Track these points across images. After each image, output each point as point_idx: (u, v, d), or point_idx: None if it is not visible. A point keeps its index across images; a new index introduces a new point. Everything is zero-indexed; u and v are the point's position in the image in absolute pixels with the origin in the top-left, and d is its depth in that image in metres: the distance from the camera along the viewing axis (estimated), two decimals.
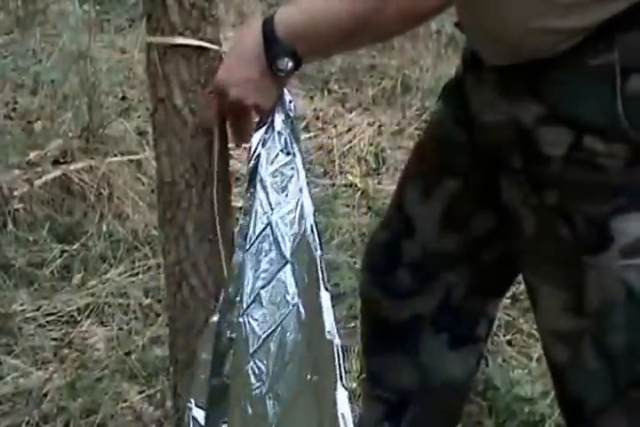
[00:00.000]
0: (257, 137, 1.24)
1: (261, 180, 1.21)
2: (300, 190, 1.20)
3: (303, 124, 3.44)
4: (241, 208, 1.24)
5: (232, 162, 1.39)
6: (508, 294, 2.45)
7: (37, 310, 2.39)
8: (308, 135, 3.43)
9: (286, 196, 1.20)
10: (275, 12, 1.18)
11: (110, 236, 2.69)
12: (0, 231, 2.66)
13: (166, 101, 1.28)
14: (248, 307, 1.16)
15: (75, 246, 2.64)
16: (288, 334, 1.14)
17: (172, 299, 1.36)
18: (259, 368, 1.13)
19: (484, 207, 1.46)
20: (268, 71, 1.19)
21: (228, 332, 1.18)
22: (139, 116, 3.37)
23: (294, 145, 1.23)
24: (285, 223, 1.18)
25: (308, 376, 1.12)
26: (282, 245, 1.17)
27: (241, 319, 1.16)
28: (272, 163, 1.22)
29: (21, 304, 2.40)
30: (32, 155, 2.93)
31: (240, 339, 1.15)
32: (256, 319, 1.15)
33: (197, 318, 1.33)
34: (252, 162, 1.23)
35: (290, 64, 1.18)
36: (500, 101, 1.28)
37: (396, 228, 1.56)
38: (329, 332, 1.12)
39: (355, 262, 2.59)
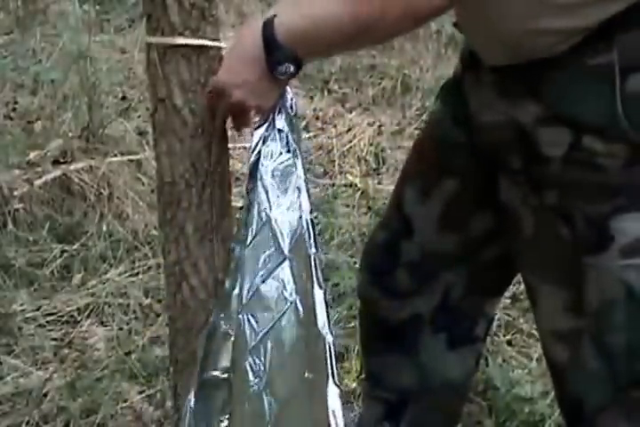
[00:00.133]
0: (258, 135, 1.24)
1: (261, 177, 1.21)
2: (299, 188, 1.20)
3: (303, 124, 3.44)
4: (241, 207, 1.24)
5: (232, 162, 1.39)
6: (508, 294, 2.46)
7: (37, 310, 2.39)
8: (307, 135, 3.43)
9: (286, 193, 1.20)
10: (274, 15, 1.18)
11: (110, 236, 2.68)
12: (0, 231, 2.66)
13: (166, 101, 1.27)
14: (247, 303, 1.16)
15: (75, 246, 2.64)
16: (286, 332, 1.14)
17: (172, 299, 1.36)
18: (256, 365, 1.13)
19: (483, 207, 1.46)
20: (268, 74, 1.19)
21: (224, 326, 1.18)
22: (139, 116, 3.37)
23: (294, 143, 1.24)
24: (284, 220, 1.18)
25: (306, 374, 1.13)
26: (281, 241, 1.17)
27: (240, 316, 1.16)
28: (272, 160, 1.22)
29: (21, 304, 2.39)
30: (32, 155, 2.93)
31: (238, 335, 1.15)
32: (254, 316, 1.15)
33: (197, 318, 1.33)
34: (253, 159, 1.23)
35: (291, 68, 1.18)
36: (498, 102, 1.28)
37: (394, 228, 1.56)
38: (321, 329, 1.11)
39: (355, 262, 2.59)
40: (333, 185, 3.17)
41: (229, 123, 1.32)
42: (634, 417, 1.32)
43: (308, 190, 1.21)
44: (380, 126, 3.58)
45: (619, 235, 1.22)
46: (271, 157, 1.22)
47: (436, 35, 3.99)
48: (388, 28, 1.16)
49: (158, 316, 2.38)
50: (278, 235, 1.17)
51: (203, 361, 1.19)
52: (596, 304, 1.27)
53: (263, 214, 1.19)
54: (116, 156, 2.98)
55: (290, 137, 1.24)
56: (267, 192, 1.20)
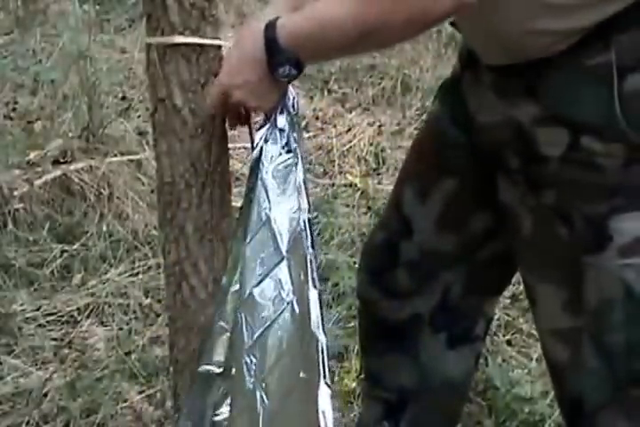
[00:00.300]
0: (259, 134, 1.24)
1: (261, 177, 1.21)
2: (299, 188, 1.20)
3: (303, 124, 3.44)
4: (241, 207, 1.24)
5: (232, 162, 1.39)
6: (508, 293, 2.46)
7: (37, 310, 2.39)
8: (307, 135, 3.43)
9: (285, 193, 1.20)
10: (276, 18, 1.18)
11: (110, 236, 2.68)
12: (0, 231, 2.66)
13: (166, 101, 1.28)
14: (244, 302, 1.16)
15: (75, 246, 2.64)
16: (282, 331, 1.14)
17: (172, 299, 1.36)
18: (252, 364, 1.13)
19: (482, 207, 1.46)
20: (269, 76, 1.19)
21: (220, 322, 1.18)
22: (139, 116, 3.37)
23: (295, 143, 1.24)
24: (283, 220, 1.18)
25: (301, 374, 1.13)
26: (279, 241, 1.17)
27: (237, 314, 1.16)
28: (273, 160, 1.22)
29: (21, 304, 2.39)
30: (32, 155, 2.93)
31: (235, 334, 1.15)
32: (251, 315, 1.15)
33: (197, 318, 1.33)
34: (254, 158, 1.23)
35: (293, 71, 1.18)
36: (497, 101, 1.28)
37: (393, 228, 1.56)
38: (315, 330, 1.11)
39: (354, 262, 2.59)
40: (333, 185, 3.17)
41: (229, 123, 1.32)
42: (633, 416, 1.32)
43: (307, 190, 1.21)
44: (380, 126, 3.57)
45: (617, 234, 1.22)
46: (272, 157, 1.22)
47: (436, 35, 3.98)
48: (393, 34, 1.16)
49: (158, 316, 2.38)
50: (277, 235, 1.17)
51: (198, 355, 1.19)
52: (594, 304, 1.27)
53: (263, 214, 1.19)
54: (116, 156, 2.98)
55: (291, 137, 1.24)
56: (266, 192, 1.20)
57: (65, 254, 2.61)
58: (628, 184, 1.22)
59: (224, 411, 1.16)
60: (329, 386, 1.08)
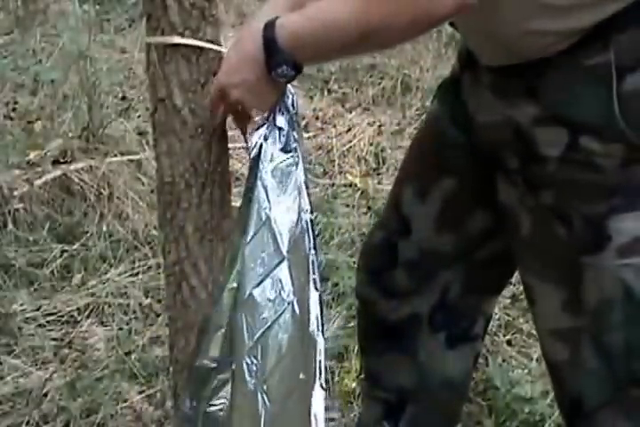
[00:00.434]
0: (259, 133, 1.24)
1: (261, 176, 1.21)
2: (299, 188, 1.20)
3: (303, 124, 3.44)
4: (240, 207, 1.24)
5: (232, 162, 1.39)
6: (508, 293, 2.46)
7: (37, 310, 2.39)
8: (307, 135, 3.43)
9: (285, 192, 1.20)
10: (275, 17, 1.18)
11: (110, 236, 2.68)
12: (0, 231, 2.66)
13: (166, 101, 1.28)
14: (244, 302, 1.16)
15: (75, 246, 2.64)
16: (282, 332, 1.14)
17: (172, 299, 1.36)
18: (253, 364, 1.13)
19: (481, 206, 1.46)
20: (267, 76, 1.18)
21: (215, 319, 1.18)
22: (139, 116, 3.37)
23: (295, 142, 1.23)
24: (284, 220, 1.18)
25: (301, 375, 1.13)
26: (279, 241, 1.17)
27: (238, 314, 1.16)
28: (272, 159, 1.22)
29: (21, 304, 2.39)
30: (32, 155, 2.92)
31: (236, 334, 1.15)
32: (252, 315, 1.15)
33: (197, 318, 1.33)
34: (253, 157, 1.23)
35: (290, 71, 1.18)
36: (496, 102, 1.29)
37: (392, 228, 1.56)
38: (313, 332, 1.11)
39: (354, 262, 2.59)
40: (333, 185, 3.17)
41: (229, 123, 1.32)
42: (633, 415, 1.32)
43: (307, 190, 1.21)
44: (380, 126, 3.57)
45: (616, 234, 1.22)
46: (271, 157, 1.22)
47: (436, 35, 3.98)
48: (395, 34, 1.15)
49: (158, 316, 2.38)
50: (277, 235, 1.17)
51: (197, 349, 1.19)
52: (594, 303, 1.27)
53: (263, 214, 1.19)
54: (116, 156, 2.98)
55: (290, 136, 1.23)
56: (266, 191, 1.20)
57: (65, 254, 2.61)
58: (627, 184, 1.22)
59: (217, 402, 1.16)
60: (324, 389, 1.08)
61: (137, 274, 2.55)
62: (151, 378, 2.14)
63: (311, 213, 1.19)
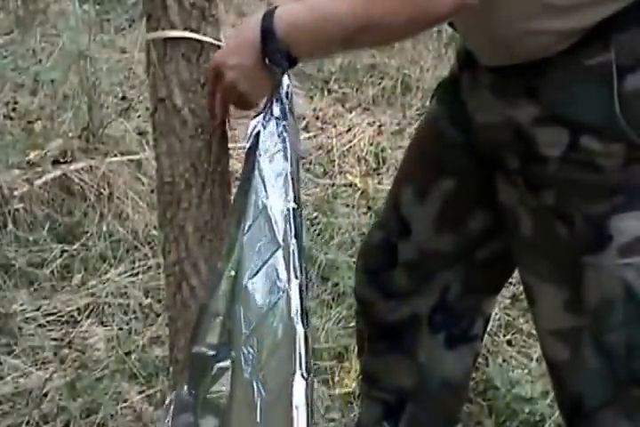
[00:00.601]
0: (255, 122, 1.24)
1: (259, 166, 1.20)
2: (285, 175, 1.19)
3: (303, 123, 3.44)
4: (237, 194, 1.23)
5: (232, 162, 1.39)
6: (508, 294, 2.46)
7: (37, 310, 2.39)
8: (307, 135, 3.43)
9: (279, 181, 1.20)
10: (276, 7, 1.18)
11: (110, 236, 2.68)
12: (0, 231, 2.66)
13: (166, 101, 1.27)
14: (241, 290, 1.15)
15: (75, 246, 2.64)
16: (278, 321, 1.13)
17: (172, 299, 1.36)
18: (249, 354, 1.13)
19: (481, 207, 1.46)
20: (262, 63, 1.18)
21: (213, 306, 1.18)
22: (139, 116, 3.37)
23: (285, 132, 1.23)
24: (278, 208, 1.18)
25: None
26: (275, 229, 1.16)
27: (235, 303, 1.15)
28: (269, 148, 1.22)
29: (21, 304, 2.39)
30: (32, 155, 2.92)
31: (233, 323, 1.15)
32: (248, 304, 1.15)
33: None
34: (250, 146, 1.23)
35: (284, 62, 1.18)
36: (496, 102, 1.28)
37: (391, 228, 1.56)
38: (292, 318, 1.11)
39: (354, 262, 2.59)
40: (333, 185, 3.17)
41: (228, 124, 1.32)
42: (634, 416, 1.32)
43: (294, 179, 1.20)
44: (380, 126, 3.57)
45: (617, 234, 1.22)
46: (268, 146, 1.22)
47: (436, 35, 3.98)
48: (392, 32, 1.15)
49: (158, 316, 2.38)
50: (273, 223, 1.17)
51: (194, 336, 1.19)
52: (595, 303, 1.27)
53: (259, 202, 1.18)
54: (116, 156, 2.98)
55: (280, 126, 1.23)
56: (263, 180, 1.19)
57: (65, 254, 2.61)
58: (628, 184, 1.22)
59: (216, 390, 1.16)
60: (305, 378, 1.07)
61: (137, 274, 2.55)
62: (151, 378, 2.14)
63: (296, 202, 1.18)
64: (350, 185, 3.18)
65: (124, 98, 3.55)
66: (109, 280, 2.51)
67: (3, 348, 2.24)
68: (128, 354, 2.22)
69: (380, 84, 3.92)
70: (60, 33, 3.83)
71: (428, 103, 3.66)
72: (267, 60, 1.18)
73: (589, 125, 1.19)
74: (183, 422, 1.18)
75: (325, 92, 3.84)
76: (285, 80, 1.25)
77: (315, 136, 3.49)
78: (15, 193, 2.71)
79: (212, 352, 1.17)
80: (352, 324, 2.26)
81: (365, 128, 3.53)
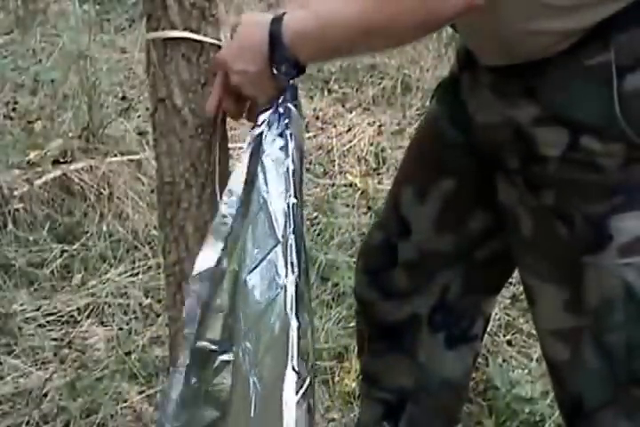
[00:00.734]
0: (262, 118, 1.23)
1: (262, 160, 1.20)
2: (287, 172, 1.19)
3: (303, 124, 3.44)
4: (244, 189, 1.23)
5: (232, 162, 1.39)
6: (508, 294, 2.46)
7: (37, 310, 2.39)
8: (307, 135, 3.43)
9: (280, 177, 1.20)
10: (284, 13, 1.17)
11: (110, 236, 2.68)
12: (0, 231, 2.66)
13: (166, 101, 1.27)
14: (241, 285, 1.15)
15: (75, 246, 2.64)
16: (275, 316, 1.13)
17: (172, 299, 1.36)
18: (247, 348, 1.13)
19: (481, 207, 1.46)
20: (269, 70, 1.18)
21: (218, 301, 1.18)
22: (139, 116, 3.37)
23: (288, 129, 1.23)
24: (278, 204, 1.18)
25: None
26: (275, 225, 1.16)
27: (235, 297, 1.15)
28: (272, 144, 1.22)
29: (21, 304, 2.39)
30: (32, 155, 2.93)
31: (234, 318, 1.15)
32: (247, 299, 1.15)
33: None
34: (255, 142, 1.22)
35: (292, 70, 1.17)
36: (496, 102, 1.28)
37: (392, 228, 1.56)
38: (286, 313, 1.11)
39: (354, 262, 2.59)
40: (333, 185, 3.17)
41: (229, 122, 1.32)
42: (634, 416, 1.32)
43: (295, 175, 1.20)
44: (379, 126, 3.57)
45: (617, 234, 1.22)
46: (272, 141, 1.22)
47: (436, 35, 3.98)
48: (399, 35, 1.15)
49: (158, 316, 2.38)
50: (274, 219, 1.17)
51: (195, 330, 1.19)
52: (595, 303, 1.27)
53: (261, 197, 1.18)
54: (116, 156, 2.98)
55: (282, 121, 1.23)
56: (265, 175, 1.19)
57: (65, 254, 2.61)
58: (628, 184, 1.22)
59: (217, 382, 1.16)
60: (297, 372, 1.07)
61: (137, 274, 2.55)
62: (151, 378, 2.14)
63: (296, 197, 1.18)
64: (350, 185, 3.18)
65: (124, 98, 3.55)
66: (109, 280, 2.52)
67: (3, 348, 2.24)
68: (128, 354, 2.22)
69: (380, 84, 3.92)
70: (60, 33, 3.83)
71: (427, 103, 3.66)
72: (274, 70, 1.17)
73: (589, 125, 1.19)
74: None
75: (325, 92, 3.85)
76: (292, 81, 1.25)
77: (315, 136, 3.49)
78: (15, 193, 2.71)
79: (214, 347, 1.17)
80: (352, 324, 2.27)
81: (365, 128, 3.53)
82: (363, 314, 1.68)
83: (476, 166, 1.42)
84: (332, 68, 3.98)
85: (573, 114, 1.20)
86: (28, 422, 1.98)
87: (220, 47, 1.26)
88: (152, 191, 2.74)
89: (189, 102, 1.27)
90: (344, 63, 3.99)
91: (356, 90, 3.89)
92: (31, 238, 2.64)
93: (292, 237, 1.15)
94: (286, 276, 1.13)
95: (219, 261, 1.21)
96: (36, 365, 2.18)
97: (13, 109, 3.36)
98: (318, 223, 2.85)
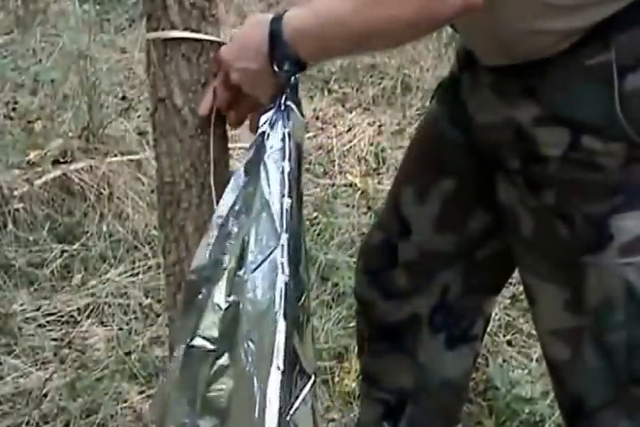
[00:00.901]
0: (264, 118, 1.23)
1: (264, 161, 1.20)
2: (283, 172, 1.19)
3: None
4: (244, 187, 1.23)
5: (232, 162, 1.39)
6: (508, 294, 2.46)
7: (37, 310, 2.39)
8: (307, 135, 3.43)
9: (278, 176, 1.20)
10: (284, 12, 1.17)
11: (110, 236, 2.68)
12: (0, 231, 2.65)
13: (166, 101, 1.27)
14: (243, 285, 1.15)
15: (75, 246, 2.64)
16: (278, 315, 1.14)
17: (172, 299, 1.36)
18: (250, 348, 1.13)
19: (481, 206, 1.46)
20: (270, 69, 1.18)
21: (216, 299, 1.17)
22: (139, 116, 3.37)
23: (284, 128, 1.22)
24: (277, 204, 1.18)
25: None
26: (277, 225, 1.17)
27: (237, 297, 1.15)
28: (274, 144, 1.22)
29: (21, 304, 2.39)
30: (32, 155, 2.93)
31: (236, 318, 1.15)
32: (250, 299, 1.15)
33: None
34: (258, 142, 1.22)
35: (292, 68, 1.17)
36: (496, 102, 1.28)
37: (391, 228, 1.56)
38: (276, 313, 1.11)
39: (355, 262, 2.59)
40: (333, 185, 3.17)
41: (228, 120, 1.31)
42: (634, 415, 1.32)
43: (290, 175, 1.20)
44: (380, 126, 3.57)
45: (618, 233, 1.22)
46: (274, 142, 1.22)
47: (436, 35, 3.98)
48: (398, 34, 1.15)
49: (158, 316, 2.38)
50: (276, 219, 1.17)
51: (191, 329, 1.19)
52: (595, 303, 1.27)
53: (263, 198, 1.18)
54: (116, 156, 2.98)
55: (285, 121, 1.23)
56: (267, 175, 1.19)
57: (65, 254, 2.61)
58: (629, 183, 1.22)
59: (217, 387, 1.15)
60: (282, 371, 1.07)
61: (137, 274, 2.55)
62: (151, 378, 2.14)
63: (291, 197, 1.18)
64: (350, 185, 3.18)
65: (124, 98, 3.55)
66: (109, 280, 2.51)
67: (3, 348, 2.24)
68: (128, 354, 2.22)
69: (380, 84, 3.92)
70: (60, 33, 3.83)
71: (427, 103, 3.66)
72: (275, 67, 1.17)
73: (590, 125, 1.19)
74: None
75: (325, 92, 3.85)
76: (293, 79, 1.24)
77: (315, 136, 3.49)
78: (15, 193, 2.71)
79: (211, 347, 1.17)
80: (352, 324, 2.27)
81: (365, 128, 3.53)
82: (363, 314, 1.68)
83: (477, 166, 1.42)
84: (332, 68, 3.98)
85: (574, 114, 1.20)
86: (27, 423, 1.98)
87: (220, 46, 1.26)
88: (152, 191, 2.74)
89: (189, 102, 1.27)
90: (344, 63, 3.99)
91: (356, 90, 3.89)
92: (31, 238, 2.64)
93: (284, 237, 1.15)
94: (276, 276, 1.13)
95: (216, 258, 1.20)
96: (36, 365, 2.18)
97: (13, 109, 3.36)
98: (318, 223, 2.85)
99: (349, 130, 3.53)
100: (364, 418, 1.76)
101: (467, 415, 2.03)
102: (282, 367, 1.07)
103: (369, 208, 3.01)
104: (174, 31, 1.24)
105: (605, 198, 1.22)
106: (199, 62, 1.26)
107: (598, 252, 1.24)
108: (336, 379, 2.15)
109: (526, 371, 2.22)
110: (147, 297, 2.47)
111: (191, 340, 1.18)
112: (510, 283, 2.36)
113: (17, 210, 2.69)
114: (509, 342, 2.38)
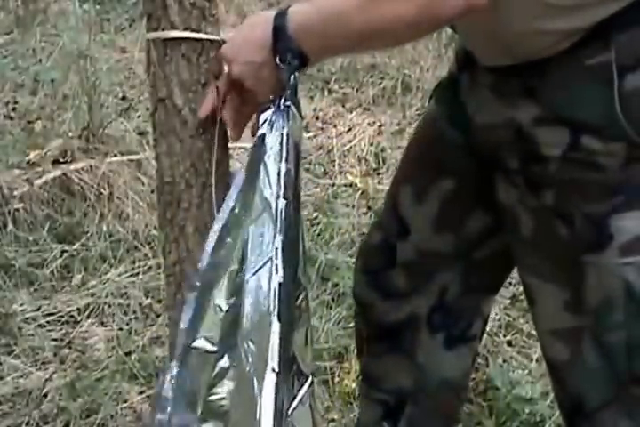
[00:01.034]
0: (263, 117, 1.23)
1: (264, 161, 1.20)
2: (279, 173, 1.19)
3: (303, 124, 3.44)
4: (242, 189, 1.23)
5: (232, 162, 1.39)
6: (508, 294, 2.46)
7: (37, 310, 2.39)
8: (307, 135, 3.43)
9: (276, 176, 1.20)
10: (288, 7, 1.18)
11: (110, 236, 2.68)
12: (0, 231, 2.65)
13: (166, 101, 1.27)
14: (245, 286, 1.15)
15: (75, 246, 2.64)
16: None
17: (172, 299, 1.36)
18: (250, 349, 1.13)
19: (480, 207, 1.46)
20: (272, 62, 1.18)
21: (217, 300, 1.17)
22: (139, 116, 3.37)
23: (281, 129, 1.22)
24: (277, 206, 1.18)
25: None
26: (278, 226, 1.17)
27: (238, 298, 1.15)
28: (274, 145, 1.22)
29: (21, 304, 2.39)
30: (32, 155, 2.93)
31: (237, 318, 1.15)
32: (251, 300, 1.15)
33: None
34: (257, 142, 1.22)
35: (295, 61, 1.18)
36: (496, 102, 1.28)
37: (390, 228, 1.56)
38: (270, 313, 1.11)
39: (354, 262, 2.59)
40: (333, 185, 3.17)
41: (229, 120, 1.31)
42: (634, 415, 1.32)
43: (286, 176, 1.20)
44: (380, 126, 3.57)
45: (618, 233, 1.22)
46: (273, 142, 1.22)
47: (436, 35, 3.98)
48: (400, 33, 1.15)
49: (158, 316, 2.38)
50: (277, 220, 1.17)
51: (190, 330, 1.19)
52: (595, 303, 1.27)
53: (264, 199, 1.18)
54: (116, 156, 2.98)
55: (284, 121, 1.22)
56: (268, 175, 1.19)
57: (65, 254, 2.61)
58: (629, 183, 1.22)
59: (219, 391, 1.15)
60: (278, 373, 1.07)
61: (137, 274, 2.55)
62: (151, 378, 2.14)
63: (286, 198, 1.18)
64: (350, 185, 3.18)
65: (124, 98, 3.55)
66: (109, 280, 2.51)
67: (3, 348, 2.24)
68: (128, 354, 2.22)
69: (380, 84, 3.92)
70: (59, 33, 3.83)
71: (426, 103, 3.66)
72: (277, 60, 1.18)
73: (590, 125, 1.19)
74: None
75: (325, 92, 3.85)
76: (293, 78, 1.24)
77: (315, 136, 3.49)
78: (15, 193, 2.71)
79: (212, 348, 1.17)
80: (352, 324, 2.26)
81: (365, 128, 3.53)
82: (362, 314, 1.68)
83: (476, 166, 1.42)
84: (332, 67, 3.98)
85: (574, 114, 1.20)
86: (27, 423, 1.98)
87: (220, 45, 1.26)
88: (152, 191, 2.74)
89: (189, 102, 1.27)
90: (344, 63, 3.99)
91: (356, 90, 3.89)
92: (31, 238, 2.64)
93: (279, 238, 1.15)
94: (270, 276, 1.13)
95: (217, 260, 1.20)
96: (36, 365, 2.18)
97: (13, 109, 3.36)
98: (318, 223, 2.85)
99: (349, 130, 3.53)
100: (364, 418, 1.76)
101: (467, 415, 2.04)
102: (277, 369, 1.07)
103: (369, 208, 3.01)
104: (174, 31, 1.24)
105: (605, 198, 1.22)
106: (199, 62, 1.26)
107: (598, 252, 1.24)
108: (336, 379, 2.15)
109: (526, 371, 2.22)
110: (147, 297, 2.47)
111: (192, 341, 1.18)
112: (510, 283, 2.37)
113: (17, 210, 2.69)
114: (509, 343, 2.38)
